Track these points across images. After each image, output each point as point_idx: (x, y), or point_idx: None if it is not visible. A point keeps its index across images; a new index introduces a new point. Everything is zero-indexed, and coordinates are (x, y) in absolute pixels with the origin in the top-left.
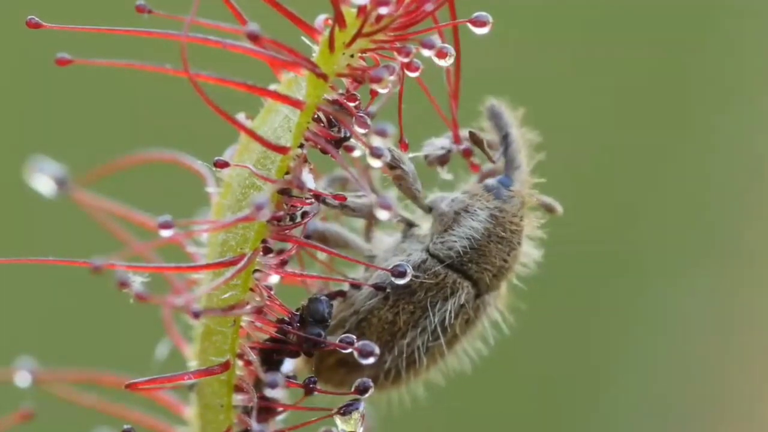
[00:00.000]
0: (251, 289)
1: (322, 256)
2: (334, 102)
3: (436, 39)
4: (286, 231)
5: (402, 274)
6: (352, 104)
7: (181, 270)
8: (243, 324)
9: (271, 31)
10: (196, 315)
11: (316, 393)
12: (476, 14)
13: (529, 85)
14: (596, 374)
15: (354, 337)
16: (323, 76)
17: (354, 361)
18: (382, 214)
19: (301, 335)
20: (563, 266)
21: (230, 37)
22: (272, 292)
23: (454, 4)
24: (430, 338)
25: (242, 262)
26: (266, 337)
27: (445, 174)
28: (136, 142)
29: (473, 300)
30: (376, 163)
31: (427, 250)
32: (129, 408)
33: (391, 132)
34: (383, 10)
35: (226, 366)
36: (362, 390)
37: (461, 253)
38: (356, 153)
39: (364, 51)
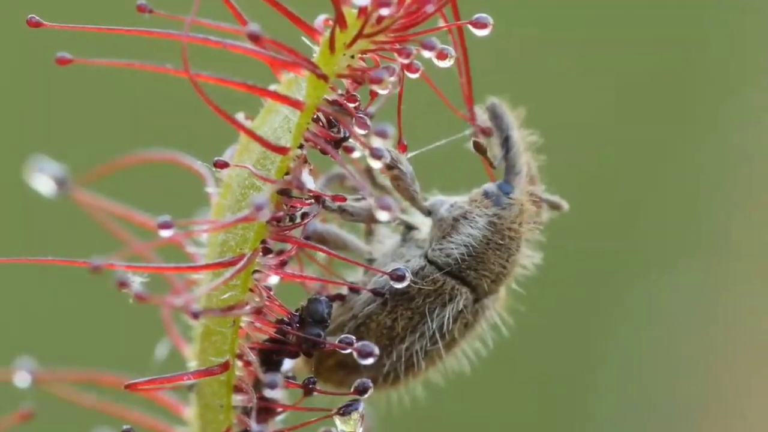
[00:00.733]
0: (251, 290)
1: (321, 257)
2: (334, 103)
3: (436, 40)
4: (286, 232)
5: (401, 278)
6: (351, 105)
7: (181, 270)
8: (242, 324)
9: (271, 32)
10: (196, 315)
11: (315, 393)
12: (477, 16)
13: (532, 83)
14: (589, 371)
15: (353, 337)
16: (324, 77)
17: (353, 364)
18: (382, 215)
19: (300, 335)
20: (563, 264)
21: (231, 37)
22: (272, 293)
23: (456, 5)
24: (429, 343)
25: (242, 263)
26: (265, 337)
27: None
28: (136, 142)
29: (472, 305)
30: (375, 164)
31: (426, 257)
32: (129, 408)
33: (391, 133)
34: (384, 11)
35: (225, 366)
36: (361, 390)
37: (459, 260)
38: (356, 154)
39: (364, 52)
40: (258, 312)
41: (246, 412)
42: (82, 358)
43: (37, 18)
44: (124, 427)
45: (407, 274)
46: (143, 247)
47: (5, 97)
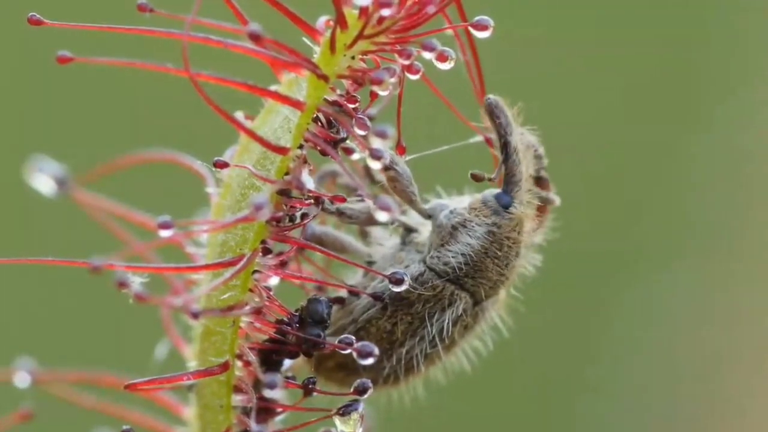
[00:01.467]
0: (250, 290)
1: (320, 259)
2: (335, 103)
3: (437, 42)
4: (285, 232)
5: (399, 282)
6: (351, 106)
7: (181, 270)
8: (242, 324)
9: (272, 32)
10: (196, 315)
11: (315, 393)
12: (477, 18)
13: (534, 83)
14: (588, 371)
15: (353, 338)
16: (324, 77)
17: (353, 365)
18: (381, 216)
19: (300, 336)
20: (563, 264)
21: (232, 37)
22: (271, 293)
23: (461, 5)
24: (429, 346)
25: (241, 263)
26: (265, 337)
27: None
28: (136, 142)
29: (471, 308)
30: (375, 165)
31: (424, 262)
32: (128, 408)
33: (391, 134)
34: (386, 12)
35: (225, 366)
36: (361, 391)
37: (457, 268)
38: (355, 156)
39: (364, 53)
40: (258, 312)
41: (246, 412)
42: (82, 358)
43: (38, 16)
44: (124, 427)
45: (406, 278)
46: (143, 247)
47: (5, 97)
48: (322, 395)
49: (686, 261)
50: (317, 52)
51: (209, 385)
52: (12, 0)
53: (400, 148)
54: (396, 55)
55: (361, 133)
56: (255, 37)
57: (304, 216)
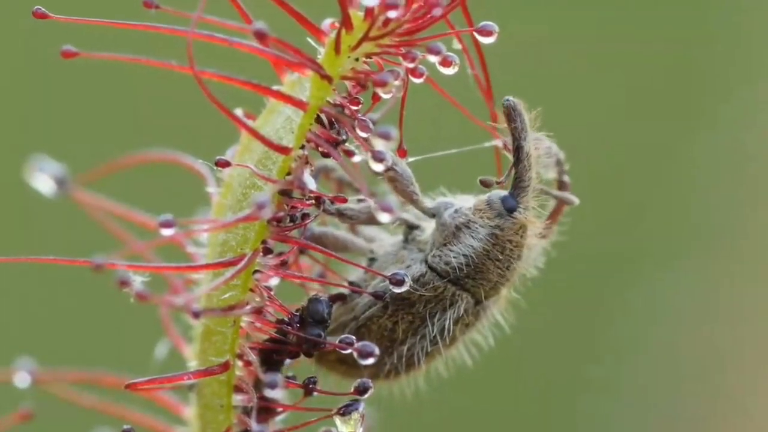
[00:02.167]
0: (251, 290)
1: (322, 258)
2: (337, 104)
3: (442, 45)
4: (286, 232)
5: (400, 283)
6: (354, 107)
7: (182, 270)
8: (243, 324)
9: (276, 31)
10: (196, 315)
11: (315, 393)
12: (482, 24)
13: (534, 82)
14: (591, 369)
15: (354, 337)
16: (328, 78)
17: (353, 361)
18: (384, 217)
19: (300, 336)
20: (566, 262)
21: (236, 35)
22: (272, 293)
23: (467, 9)
24: (430, 344)
25: (242, 263)
26: (266, 337)
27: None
28: (137, 141)
29: (473, 308)
30: (377, 167)
31: (426, 262)
32: (129, 408)
33: (395, 135)
34: (392, 14)
35: (225, 366)
36: (362, 390)
37: (458, 269)
38: (356, 158)
39: (369, 55)
40: (258, 312)
41: (246, 412)
42: (82, 358)
43: (43, 9)
44: (124, 427)
45: (406, 279)
46: (143, 246)
47: (5, 97)
48: (322, 395)
49: (689, 260)
50: (321, 53)
51: (209, 384)
52: None
53: (401, 151)
54: (400, 58)
55: (363, 134)
56: (260, 36)
57: (304, 216)
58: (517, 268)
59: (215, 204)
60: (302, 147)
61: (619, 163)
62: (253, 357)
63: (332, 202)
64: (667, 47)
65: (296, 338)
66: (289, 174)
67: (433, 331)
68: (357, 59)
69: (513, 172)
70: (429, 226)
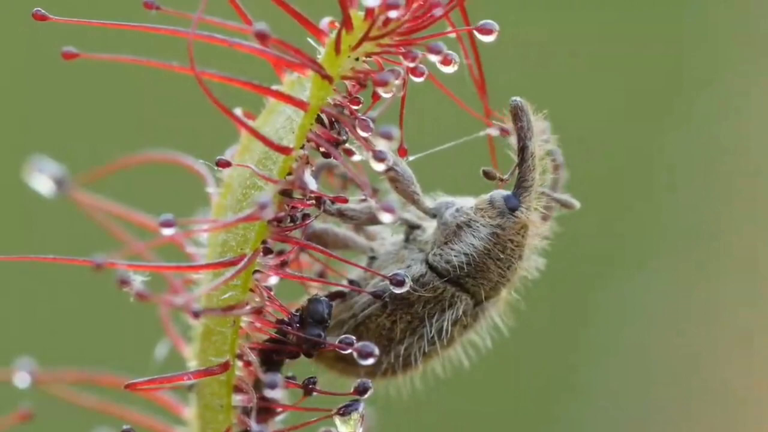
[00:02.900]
0: (251, 290)
1: (322, 258)
2: (338, 104)
3: (442, 44)
4: (287, 232)
5: (400, 284)
6: (355, 107)
7: (182, 269)
8: (243, 324)
9: (276, 31)
10: (196, 315)
11: (315, 393)
12: (482, 22)
13: (517, 83)
14: (567, 370)
15: (353, 338)
16: (328, 78)
17: (352, 358)
18: (385, 218)
19: (300, 336)
20: (550, 264)
21: (237, 36)
22: (272, 293)
23: (464, 8)
24: (427, 345)
25: (242, 263)
26: (266, 337)
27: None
28: (137, 141)
29: (472, 309)
30: (379, 167)
31: (426, 261)
32: (129, 408)
33: (396, 135)
34: (393, 14)
35: (225, 366)
36: (361, 390)
37: (458, 268)
38: (356, 157)
39: (369, 54)
40: (258, 312)
41: (246, 412)
42: (82, 358)
43: (43, 11)
44: (124, 427)
45: (407, 280)
46: (143, 246)
47: (6, 97)
48: (322, 395)
49: (661, 261)
50: (321, 53)
51: (209, 385)
52: None
53: (401, 150)
54: (401, 58)
55: (364, 134)
56: (261, 37)
57: (305, 216)
58: (518, 269)
59: (215, 204)
60: (303, 147)
61: (591, 164)
62: (253, 357)
63: (333, 203)
64: (634, 46)
65: (296, 338)
66: (289, 174)
67: (431, 332)
68: (357, 59)
69: (517, 171)
70: (430, 227)
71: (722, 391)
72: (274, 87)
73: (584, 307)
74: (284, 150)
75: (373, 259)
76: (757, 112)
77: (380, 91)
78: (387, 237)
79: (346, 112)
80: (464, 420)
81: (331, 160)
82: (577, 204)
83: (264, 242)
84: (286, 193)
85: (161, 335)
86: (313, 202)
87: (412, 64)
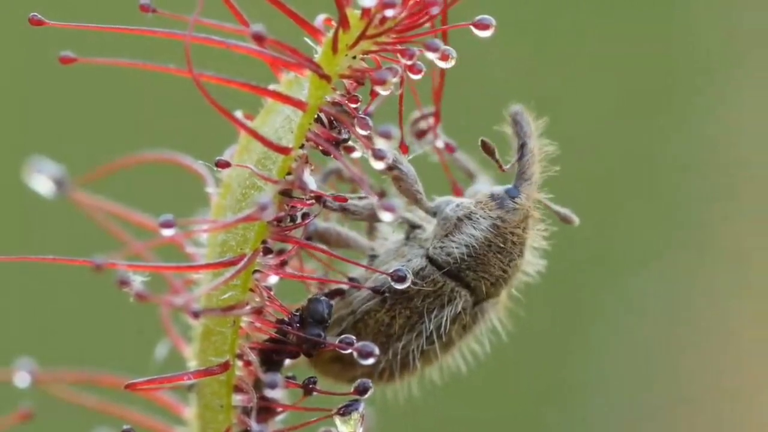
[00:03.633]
0: (251, 290)
1: (322, 256)
2: (336, 103)
3: (440, 42)
4: (287, 232)
5: (402, 279)
6: (353, 105)
7: (182, 269)
8: (243, 324)
9: (272, 31)
10: (196, 315)
11: (315, 393)
12: (479, 17)
13: (509, 80)
14: (566, 369)
15: (353, 337)
16: (326, 77)
17: (349, 359)
18: (386, 216)
19: (300, 336)
20: (549, 263)
21: (234, 37)
22: (272, 293)
23: (446, 10)
24: (426, 343)
25: (242, 263)
26: (266, 337)
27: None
28: (136, 142)
29: (471, 307)
30: (378, 165)
31: (427, 255)
32: (129, 408)
33: (396, 134)
34: (389, 13)
35: (225, 366)
36: (362, 391)
37: (459, 259)
38: (355, 154)
39: (366, 53)
40: (258, 312)
41: (246, 412)
42: (82, 358)
43: (39, 16)
44: (124, 427)
45: (408, 275)
46: (143, 247)
47: (5, 97)
48: (322, 395)
49: (658, 262)
50: (318, 52)
51: (209, 384)
52: (13, 0)
53: (403, 148)
54: (398, 55)
55: (363, 132)
56: (258, 38)
57: (305, 216)
58: (519, 265)
59: (214, 204)
60: (302, 146)
61: (590, 163)
62: (253, 357)
63: (333, 201)
64: (628, 46)
65: (296, 338)
66: (289, 174)
67: (429, 328)
68: (354, 57)
69: (516, 166)
70: (430, 226)
71: (722, 391)
72: (272, 87)
73: (582, 311)
74: (283, 150)
75: (373, 257)
76: (753, 110)
77: (378, 89)
78: (389, 236)
79: (345, 110)
80: (462, 426)
81: (339, 165)
82: (576, 220)
83: (264, 242)
84: (285, 193)
85: (161, 335)
86: (313, 201)
87: (410, 62)
